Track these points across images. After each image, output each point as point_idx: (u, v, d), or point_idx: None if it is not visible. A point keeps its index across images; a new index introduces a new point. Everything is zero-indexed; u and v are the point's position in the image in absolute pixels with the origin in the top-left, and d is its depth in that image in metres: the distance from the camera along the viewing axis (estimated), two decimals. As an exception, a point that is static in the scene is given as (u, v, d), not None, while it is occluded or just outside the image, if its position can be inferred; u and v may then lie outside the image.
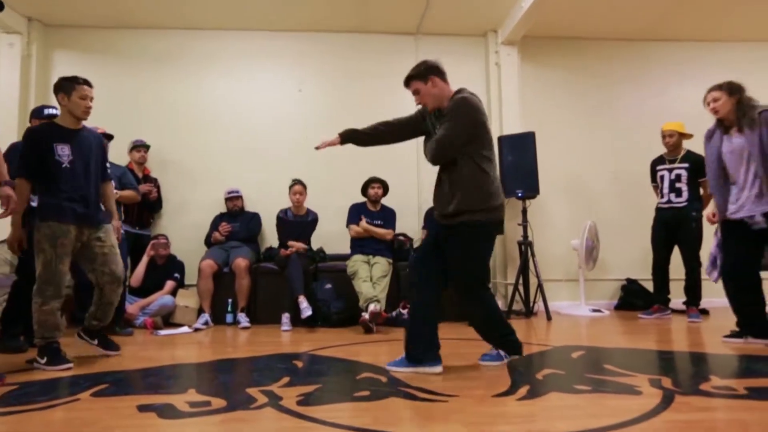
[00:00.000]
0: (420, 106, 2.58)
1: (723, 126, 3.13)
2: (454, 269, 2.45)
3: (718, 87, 3.09)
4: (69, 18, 5.01)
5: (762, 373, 2.33)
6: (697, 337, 3.39)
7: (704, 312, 4.48)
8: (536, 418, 1.71)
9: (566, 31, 5.34)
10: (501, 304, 4.95)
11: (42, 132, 2.75)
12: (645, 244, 4.60)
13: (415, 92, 2.51)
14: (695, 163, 4.24)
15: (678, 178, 4.34)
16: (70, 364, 2.61)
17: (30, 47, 4.95)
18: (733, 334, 3.10)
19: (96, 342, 2.95)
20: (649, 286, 4.67)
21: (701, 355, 2.80)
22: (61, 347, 2.68)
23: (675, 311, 4.55)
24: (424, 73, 2.46)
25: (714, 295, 5.11)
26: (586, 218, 4.89)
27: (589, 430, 1.57)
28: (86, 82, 2.80)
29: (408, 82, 2.52)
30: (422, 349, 2.40)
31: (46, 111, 3.36)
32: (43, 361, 2.60)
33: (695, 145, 4.28)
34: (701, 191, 4.33)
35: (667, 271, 4.44)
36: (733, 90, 3.05)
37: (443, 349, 2.46)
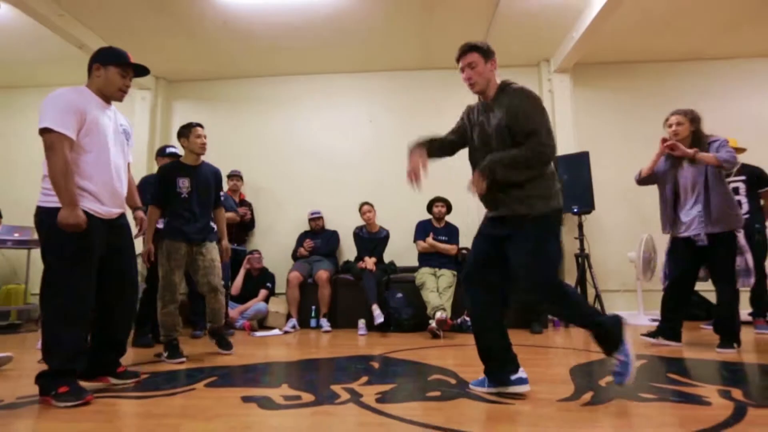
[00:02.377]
0: (466, 83, 2.08)
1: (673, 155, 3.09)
2: None
3: (683, 113, 3.03)
4: (185, 74, 5.49)
5: (843, 388, 2.04)
6: (766, 349, 3.02)
7: (773, 324, 3.99)
8: (602, 424, 1.59)
9: (617, 55, 5.09)
10: (560, 313, 4.70)
11: (168, 169, 3.03)
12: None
13: (470, 65, 2.03)
14: (752, 175, 3.90)
15: (736, 191, 3.94)
16: (183, 359, 2.80)
17: (157, 99, 5.47)
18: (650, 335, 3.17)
19: (215, 341, 3.11)
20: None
21: (773, 367, 2.50)
22: (179, 344, 2.89)
23: (741, 323, 4.09)
24: (488, 53, 2.05)
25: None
26: (641, 231, 4.55)
27: (657, 438, 1.45)
28: (198, 125, 3.05)
29: (468, 51, 2.04)
30: None
31: (168, 150, 3.67)
32: (165, 354, 2.82)
33: (750, 158, 3.97)
34: (762, 202, 3.94)
35: None
36: (694, 119, 3.01)
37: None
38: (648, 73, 5.23)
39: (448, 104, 5.35)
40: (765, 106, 5.08)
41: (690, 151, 2.92)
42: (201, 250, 3.00)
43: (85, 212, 1.95)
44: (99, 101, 2.09)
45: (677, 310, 3.14)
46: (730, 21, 4.50)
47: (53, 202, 1.92)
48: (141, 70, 2.21)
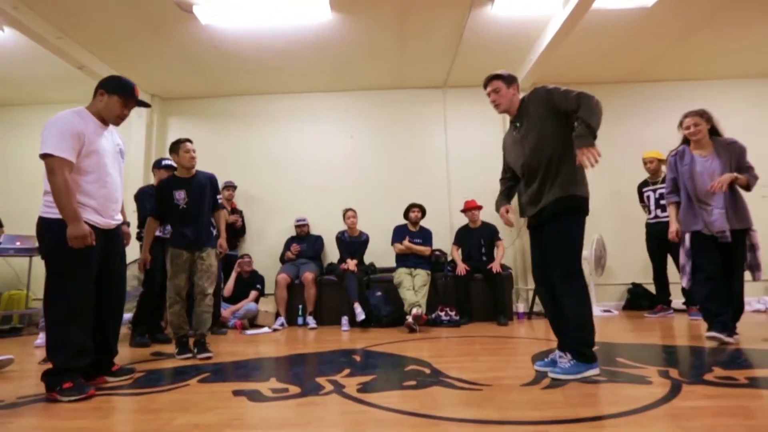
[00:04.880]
0: (492, 105, 2.26)
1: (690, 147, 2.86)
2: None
3: (698, 114, 2.81)
4: (180, 92, 5.38)
5: (761, 365, 2.13)
6: (698, 333, 3.14)
7: (704, 311, 4.14)
8: (560, 405, 1.62)
9: (568, 77, 5.22)
10: (523, 307, 4.77)
11: (165, 183, 2.93)
12: (645, 253, 4.36)
13: (495, 91, 2.21)
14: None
15: (662, 196, 4.11)
16: (190, 355, 2.74)
17: (152, 116, 5.33)
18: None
19: (195, 351, 2.80)
20: (652, 288, 4.40)
21: (703, 349, 2.59)
22: (188, 341, 2.83)
23: (677, 310, 4.25)
24: (510, 79, 2.22)
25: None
26: (593, 232, 4.68)
27: (608, 416, 1.48)
28: (187, 140, 2.92)
29: (491, 80, 2.22)
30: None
31: (163, 162, 3.58)
32: (176, 351, 2.78)
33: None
34: None
35: (665, 276, 4.17)
36: (709, 118, 2.81)
37: (476, 346, 2.36)
38: (593, 92, 5.35)
39: (419, 118, 5.44)
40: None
41: (729, 178, 2.67)
42: (202, 255, 2.90)
43: (86, 222, 1.95)
44: (97, 123, 2.06)
45: (722, 302, 2.73)
46: (658, 51, 4.69)
47: (53, 213, 1.92)
48: (142, 103, 2.22)
